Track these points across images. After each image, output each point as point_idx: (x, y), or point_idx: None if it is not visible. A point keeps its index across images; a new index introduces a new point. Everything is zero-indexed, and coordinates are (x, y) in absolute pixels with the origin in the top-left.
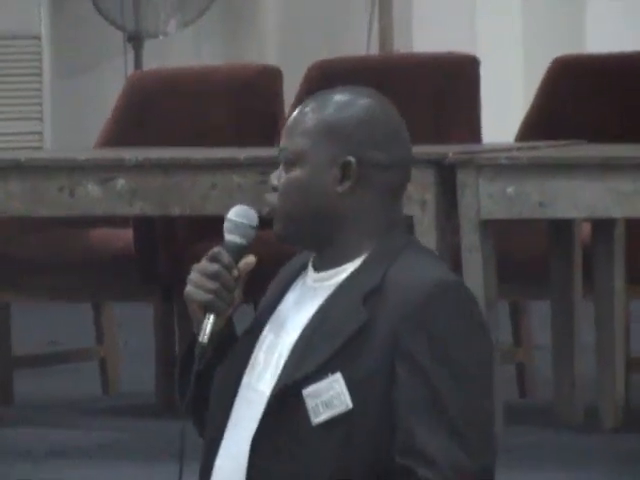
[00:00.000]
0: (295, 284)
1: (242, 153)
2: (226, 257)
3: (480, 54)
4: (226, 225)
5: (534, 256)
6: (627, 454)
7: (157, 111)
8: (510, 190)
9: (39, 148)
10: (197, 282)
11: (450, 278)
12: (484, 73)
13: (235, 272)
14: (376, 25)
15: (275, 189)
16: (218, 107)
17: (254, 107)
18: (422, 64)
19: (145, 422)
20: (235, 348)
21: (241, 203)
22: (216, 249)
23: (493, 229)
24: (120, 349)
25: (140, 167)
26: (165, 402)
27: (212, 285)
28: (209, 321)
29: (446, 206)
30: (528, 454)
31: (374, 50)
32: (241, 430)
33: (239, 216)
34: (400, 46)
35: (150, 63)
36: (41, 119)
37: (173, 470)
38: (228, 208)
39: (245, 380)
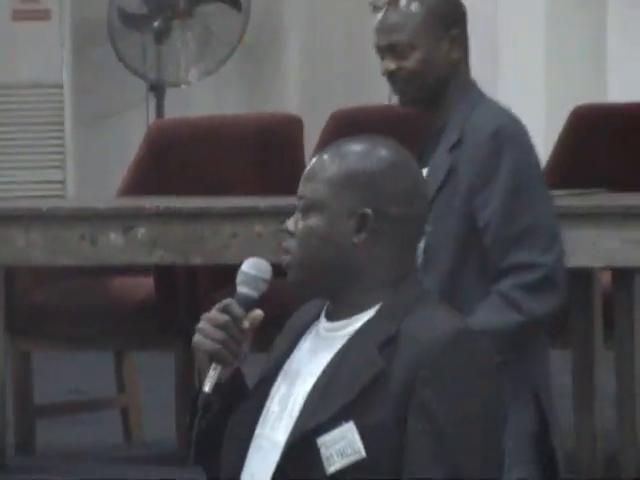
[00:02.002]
0: (308, 333)
1: (262, 202)
2: (236, 309)
3: (502, 103)
4: (239, 277)
5: None
6: None
7: (178, 160)
8: None
9: (61, 197)
10: (206, 332)
11: (462, 329)
12: None
13: (245, 324)
14: None
15: (291, 234)
16: (239, 156)
17: (275, 156)
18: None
19: (166, 470)
20: (247, 399)
21: (262, 252)
22: (227, 300)
23: None
24: (141, 398)
25: (161, 216)
26: (186, 450)
27: (220, 336)
28: (214, 371)
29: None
30: None
31: (395, 100)
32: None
33: (252, 268)
34: None
35: (172, 112)
36: (63, 168)
37: None
38: (249, 257)
39: (258, 431)
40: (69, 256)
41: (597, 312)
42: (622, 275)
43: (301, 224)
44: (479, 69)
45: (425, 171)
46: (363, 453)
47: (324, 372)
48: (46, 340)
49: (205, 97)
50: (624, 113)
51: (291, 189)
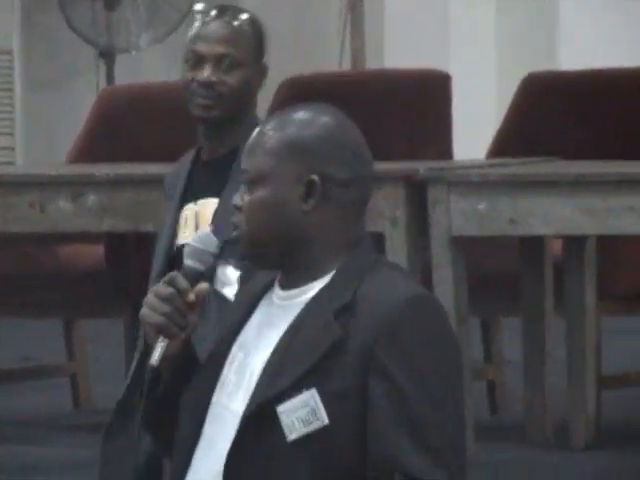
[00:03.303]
0: (262, 303)
1: None
2: (182, 281)
3: (452, 71)
4: (186, 250)
5: (505, 272)
6: (598, 471)
7: (128, 127)
8: (481, 207)
9: (11, 163)
10: (152, 304)
11: (419, 293)
12: (456, 90)
13: (191, 297)
14: (348, 43)
15: (239, 209)
16: (188, 123)
17: None
18: (393, 81)
19: None
20: (202, 368)
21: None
22: (173, 273)
23: (464, 245)
24: (91, 365)
25: (111, 183)
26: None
27: (165, 308)
28: (161, 344)
29: (417, 223)
30: (499, 472)
31: (346, 66)
32: (214, 449)
33: (199, 242)
34: (372, 63)
35: (122, 78)
36: (12, 134)
37: None
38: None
39: (215, 399)
40: (18, 223)
41: (548, 279)
42: (573, 243)
43: (247, 198)
44: (430, 37)
45: (214, 201)
46: (326, 420)
47: (281, 341)
48: None
49: (155, 64)
50: (576, 80)
51: None
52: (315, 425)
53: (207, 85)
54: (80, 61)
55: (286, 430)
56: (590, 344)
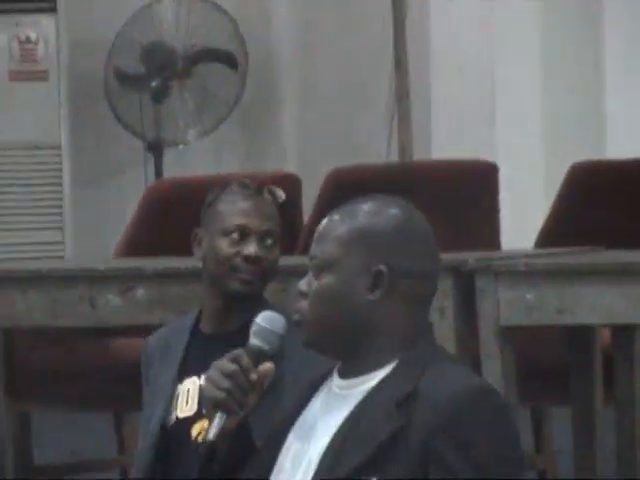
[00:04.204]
0: (320, 390)
1: None
2: (245, 359)
3: (499, 161)
4: (252, 328)
5: (554, 362)
6: None
7: (176, 220)
8: (529, 297)
9: (60, 258)
10: (213, 379)
11: (480, 385)
12: (503, 179)
13: (253, 376)
14: (395, 135)
15: (303, 296)
16: None
17: None
18: (440, 171)
19: None
20: (258, 454)
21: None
22: (238, 351)
23: (513, 335)
24: None
25: (159, 276)
26: None
27: (227, 384)
28: (219, 419)
29: (464, 313)
30: None
31: (394, 158)
32: None
33: (266, 322)
34: (419, 155)
35: (170, 172)
36: (61, 229)
37: None
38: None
39: None
40: (68, 317)
41: (597, 369)
42: (622, 332)
43: (314, 284)
44: (477, 124)
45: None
46: None
47: (340, 429)
48: (45, 401)
49: (203, 157)
50: (623, 169)
51: (289, 249)
52: None
53: (254, 261)
54: (128, 155)
55: None
56: None
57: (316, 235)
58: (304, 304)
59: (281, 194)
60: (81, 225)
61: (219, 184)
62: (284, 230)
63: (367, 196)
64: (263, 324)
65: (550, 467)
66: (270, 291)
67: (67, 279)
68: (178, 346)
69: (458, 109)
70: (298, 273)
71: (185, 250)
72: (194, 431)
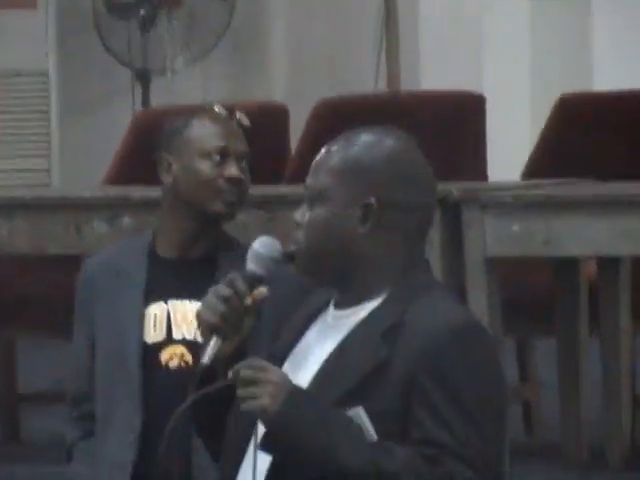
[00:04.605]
0: (317, 320)
1: (253, 191)
2: (241, 284)
3: (486, 92)
4: (249, 253)
5: (540, 294)
6: None
7: None
8: (515, 228)
9: (46, 185)
10: (209, 303)
11: (468, 321)
12: (490, 111)
13: (248, 300)
14: (383, 64)
15: (298, 225)
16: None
17: (260, 144)
18: (428, 102)
19: None
20: None
21: (248, 240)
22: (233, 275)
23: (498, 267)
24: None
25: (145, 204)
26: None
27: (221, 308)
28: (213, 343)
29: (451, 244)
30: None
31: (382, 88)
32: (261, 461)
33: (261, 246)
34: (407, 85)
35: (157, 100)
36: (48, 156)
37: None
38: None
39: None
40: (53, 245)
41: (583, 301)
42: (608, 264)
43: (308, 215)
44: (464, 58)
45: (192, 304)
46: (374, 436)
47: (328, 359)
48: (31, 328)
49: (191, 85)
50: (609, 102)
51: (276, 178)
52: None
53: (236, 182)
54: (116, 83)
55: None
56: (625, 365)
57: (312, 166)
58: (299, 234)
59: (246, 120)
60: (68, 153)
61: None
62: (271, 160)
63: (365, 127)
64: (259, 249)
65: (534, 398)
66: (257, 220)
67: (53, 207)
68: (136, 270)
69: (446, 40)
70: (285, 202)
71: None
72: (164, 356)
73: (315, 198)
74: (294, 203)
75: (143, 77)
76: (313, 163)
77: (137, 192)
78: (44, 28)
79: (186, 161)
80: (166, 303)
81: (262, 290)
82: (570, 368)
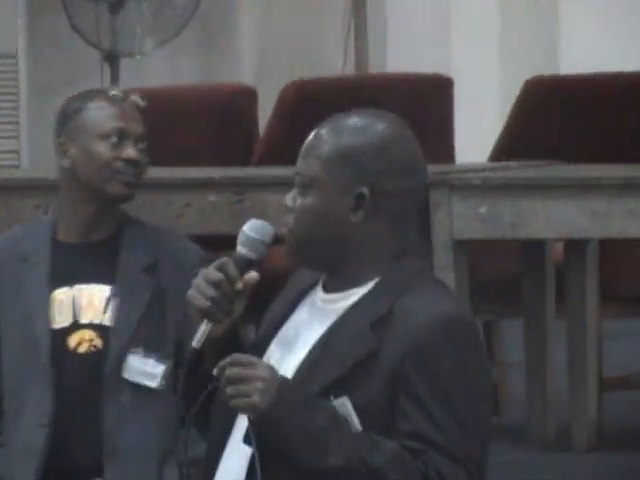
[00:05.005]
0: (304, 301)
1: (217, 172)
2: (232, 268)
3: (454, 75)
4: (239, 237)
5: (507, 275)
6: (599, 473)
7: None
8: (483, 210)
9: (15, 167)
10: (199, 287)
11: (456, 314)
12: (458, 93)
13: (239, 284)
14: (352, 46)
15: (289, 209)
16: (193, 126)
17: (229, 126)
18: (396, 84)
19: None
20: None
21: (215, 222)
22: (225, 259)
23: (466, 249)
24: None
25: None
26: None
27: (211, 293)
28: (204, 327)
29: (419, 226)
30: (500, 474)
31: (350, 70)
32: (243, 456)
33: (253, 230)
34: (375, 67)
35: (126, 82)
36: (17, 138)
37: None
38: (202, 227)
39: None
40: None
41: (549, 282)
42: (575, 246)
43: (299, 200)
44: (433, 41)
45: (99, 288)
46: (359, 427)
47: (315, 346)
48: None
49: (160, 67)
50: (577, 84)
51: (245, 160)
52: None
53: (134, 163)
54: (84, 65)
55: None
56: (592, 346)
57: (302, 150)
58: (290, 218)
59: (141, 101)
60: (37, 134)
61: (172, 94)
62: (240, 142)
63: (354, 111)
64: (249, 233)
65: (501, 379)
66: (225, 201)
67: (22, 188)
68: (39, 255)
69: (414, 23)
70: (253, 184)
71: None
72: (72, 341)
73: (306, 185)
74: (263, 185)
75: (112, 59)
76: (303, 147)
77: None
78: (12, 10)
79: (83, 144)
80: (72, 288)
81: (253, 274)
82: (537, 349)
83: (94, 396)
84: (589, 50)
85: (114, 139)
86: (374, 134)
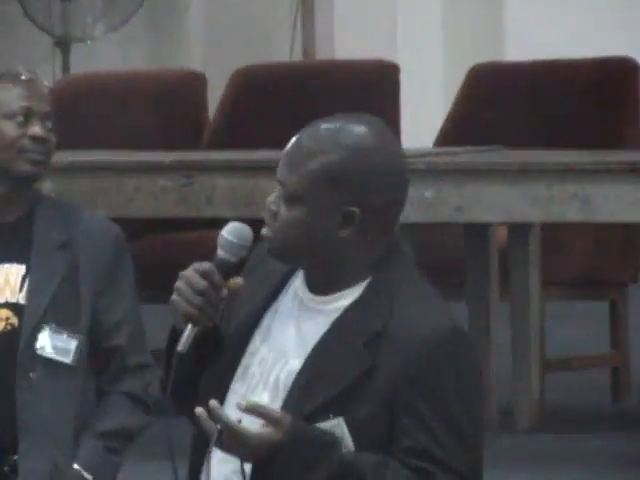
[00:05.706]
0: (285, 292)
1: (167, 157)
2: (217, 277)
3: (400, 60)
4: (219, 240)
5: (451, 259)
6: (542, 453)
7: (84, 115)
8: (428, 194)
9: None
10: (184, 295)
11: (451, 328)
12: (404, 79)
13: (224, 292)
14: (299, 32)
15: (272, 214)
16: (143, 111)
17: (179, 112)
18: (343, 70)
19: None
20: (223, 351)
21: (165, 207)
22: (207, 265)
23: (411, 232)
24: None
25: (66, 170)
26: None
27: (198, 301)
28: (188, 332)
29: None
30: None
31: (297, 56)
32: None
33: (233, 235)
34: (322, 53)
35: (78, 67)
36: None
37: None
38: (152, 210)
39: (236, 386)
40: None
41: (493, 266)
42: (517, 230)
43: (283, 209)
44: (379, 28)
45: (14, 267)
46: (352, 448)
47: (310, 357)
48: None
49: (111, 52)
50: (520, 71)
51: (194, 144)
52: None
53: (41, 140)
54: (36, 50)
55: None
56: (534, 329)
57: (284, 158)
58: (272, 222)
59: (46, 83)
60: None
61: (124, 79)
62: (189, 126)
63: (338, 117)
64: (230, 238)
65: None
66: (174, 184)
67: None
68: None
69: (361, 9)
70: (202, 168)
71: (91, 145)
72: None
73: (292, 197)
74: (212, 168)
75: (63, 44)
76: (285, 154)
77: (57, 157)
78: None
79: None
80: None
81: (237, 280)
82: (480, 331)
83: (8, 373)
84: (535, 35)
85: (20, 118)
86: (362, 149)
